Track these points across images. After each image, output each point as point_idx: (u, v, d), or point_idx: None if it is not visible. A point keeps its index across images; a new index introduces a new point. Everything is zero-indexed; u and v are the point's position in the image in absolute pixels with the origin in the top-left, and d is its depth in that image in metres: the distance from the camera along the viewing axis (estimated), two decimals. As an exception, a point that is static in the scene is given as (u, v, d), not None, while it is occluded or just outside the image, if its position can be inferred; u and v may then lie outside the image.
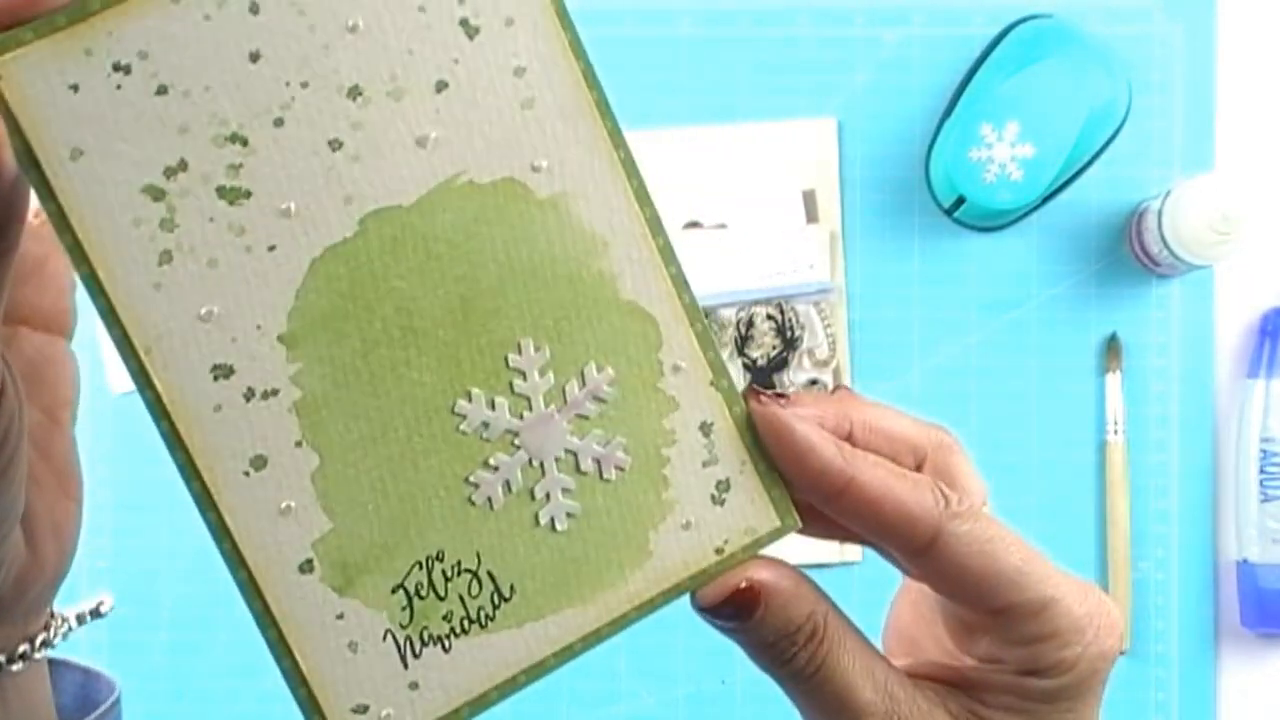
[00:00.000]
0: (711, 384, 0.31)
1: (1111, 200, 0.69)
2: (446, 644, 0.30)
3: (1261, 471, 0.67)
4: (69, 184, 0.27)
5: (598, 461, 0.30)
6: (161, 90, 0.28)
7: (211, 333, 0.28)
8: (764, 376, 0.69)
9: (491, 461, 0.30)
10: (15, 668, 0.31)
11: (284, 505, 0.29)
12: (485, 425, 0.30)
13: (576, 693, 0.68)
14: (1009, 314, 0.70)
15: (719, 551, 0.31)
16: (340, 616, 0.29)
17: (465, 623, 0.30)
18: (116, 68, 0.27)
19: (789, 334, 0.69)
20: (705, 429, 0.31)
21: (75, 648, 0.70)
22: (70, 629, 0.34)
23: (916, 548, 0.30)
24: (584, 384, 0.30)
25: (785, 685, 0.31)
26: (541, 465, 0.30)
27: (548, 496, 0.30)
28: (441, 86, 0.29)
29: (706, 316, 0.33)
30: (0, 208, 0.26)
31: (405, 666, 0.30)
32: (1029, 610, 0.31)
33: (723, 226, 0.68)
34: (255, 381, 0.29)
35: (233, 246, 0.28)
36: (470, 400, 0.30)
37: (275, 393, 0.29)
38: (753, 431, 0.31)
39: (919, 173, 0.70)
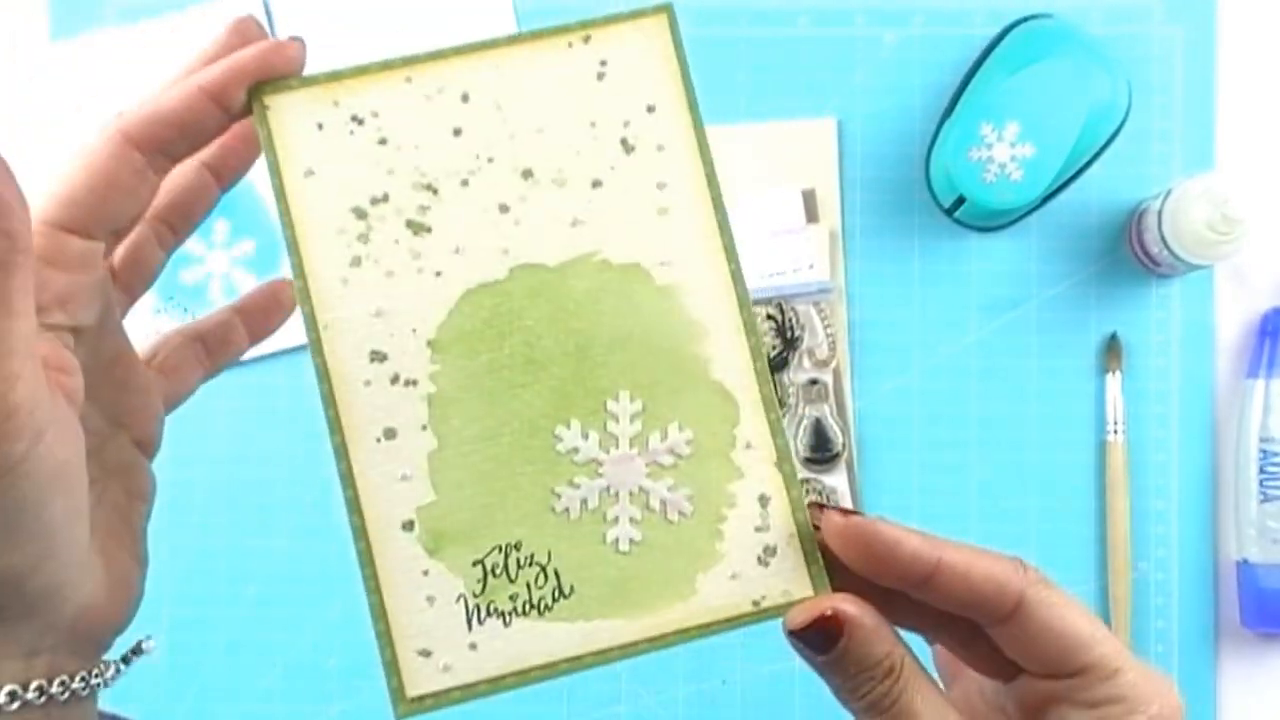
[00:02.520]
0: (775, 465, 0.36)
1: (1111, 200, 0.69)
2: (507, 620, 0.35)
3: (1261, 471, 0.67)
4: (299, 194, 0.36)
5: (664, 503, 0.36)
6: (382, 141, 0.36)
7: (377, 325, 0.36)
8: (764, 376, 0.69)
9: (575, 480, 0.36)
10: (60, 696, 0.34)
11: (402, 473, 0.35)
12: (576, 450, 0.36)
13: (577, 693, 0.68)
14: (1009, 314, 0.70)
15: (755, 604, 0.35)
16: (425, 573, 0.35)
17: (526, 606, 0.35)
18: (354, 119, 0.36)
19: (789, 334, 0.69)
20: (763, 500, 0.36)
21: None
22: (118, 672, 0.36)
23: (1005, 612, 0.33)
24: (665, 438, 0.36)
25: (865, 718, 0.34)
26: (617, 494, 0.36)
27: (616, 520, 0.36)
28: (597, 184, 0.36)
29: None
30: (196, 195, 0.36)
31: (469, 629, 0.35)
32: (1103, 673, 0.33)
33: (723, 226, 0.68)
34: (401, 370, 0.36)
35: (409, 266, 0.36)
36: (569, 428, 0.36)
37: (415, 383, 0.36)
38: (804, 512, 0.35)
39: (919, 173, 0.70)
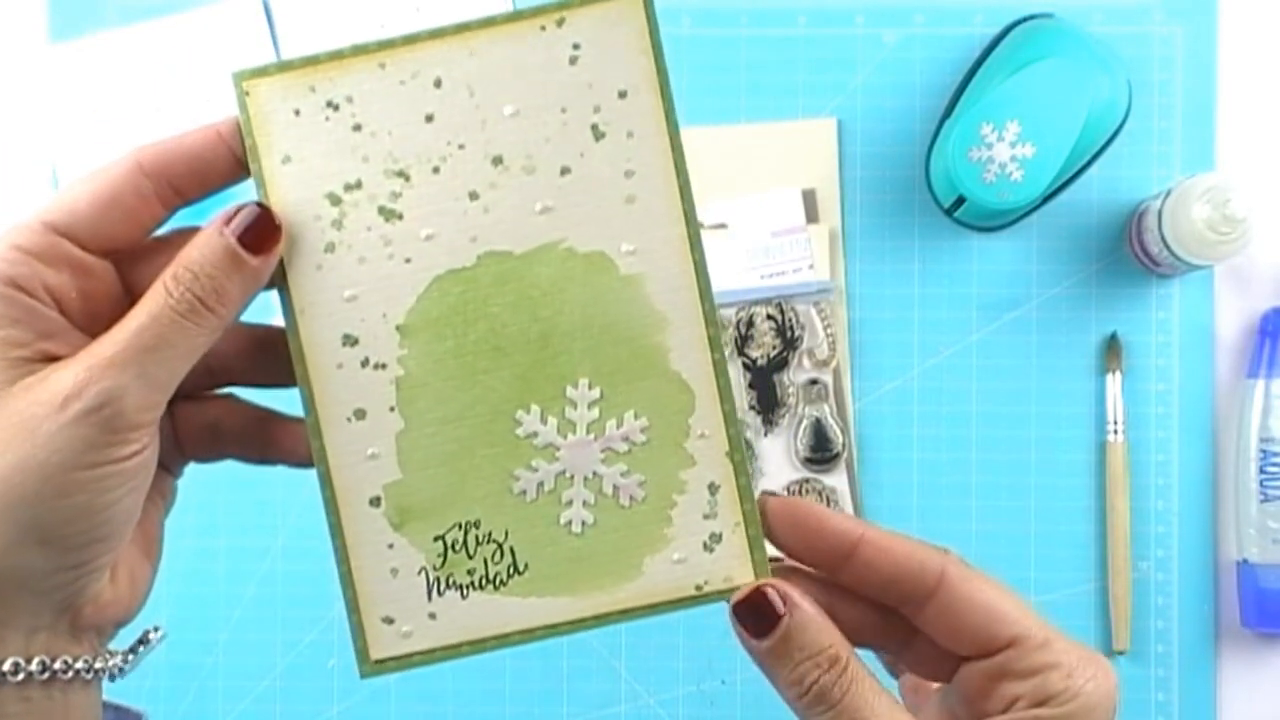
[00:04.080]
0: (727, 455, 0.37)
1: (1111, 200, 0.69)
2: (464, 593, 0.37)
3: (1261, 471, 0.67)
4: (277, 180, 0.36)
5: (616, 488, 0.37)
6: (357, 128, 0.36)
7: (349, 310, 0.37)
8: (764, 376, 0.69)
9: (533, 464, 0.37)
10: (64, 674, 0.35)
11: (370, 452, 0.37)
12: (535, 435, 0.37)
13: (577, 693, 0.68)
14: (1009, 314, 0.70)
15: (698, 589, 0.37)
16: (390, 546, 0.37)
17: (483, 581, 0.37)
18: (329, 104, 0.36)
19: (789, 334, 0.69)
20: (712, 489, 0.37)
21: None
22: (125, 662, 0.37)
23: (928, 588, 0.35)
24: (621, 425, 0.37)
25: (813, 713, 0.34)
26: (572, 478, 0.37)
27: (570, 503, 0.37)
28: (565, 171, 0.37)
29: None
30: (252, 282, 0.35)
31: (429, 599, 0.37)
32: (1035, 642, 0.34)
33: (723, 226, 0.68)
34: (371, 354, 0.37)
35: (380, 252, 0.37)
36: (529, 413, 0.37)
37: (384, 366, 0.37)
38: (751, 502, 0.37)
39: (919, 173, 0.70)
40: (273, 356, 0.38)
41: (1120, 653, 0.68)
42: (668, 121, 0.37)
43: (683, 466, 0.37)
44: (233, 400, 0.40)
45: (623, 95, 0.37)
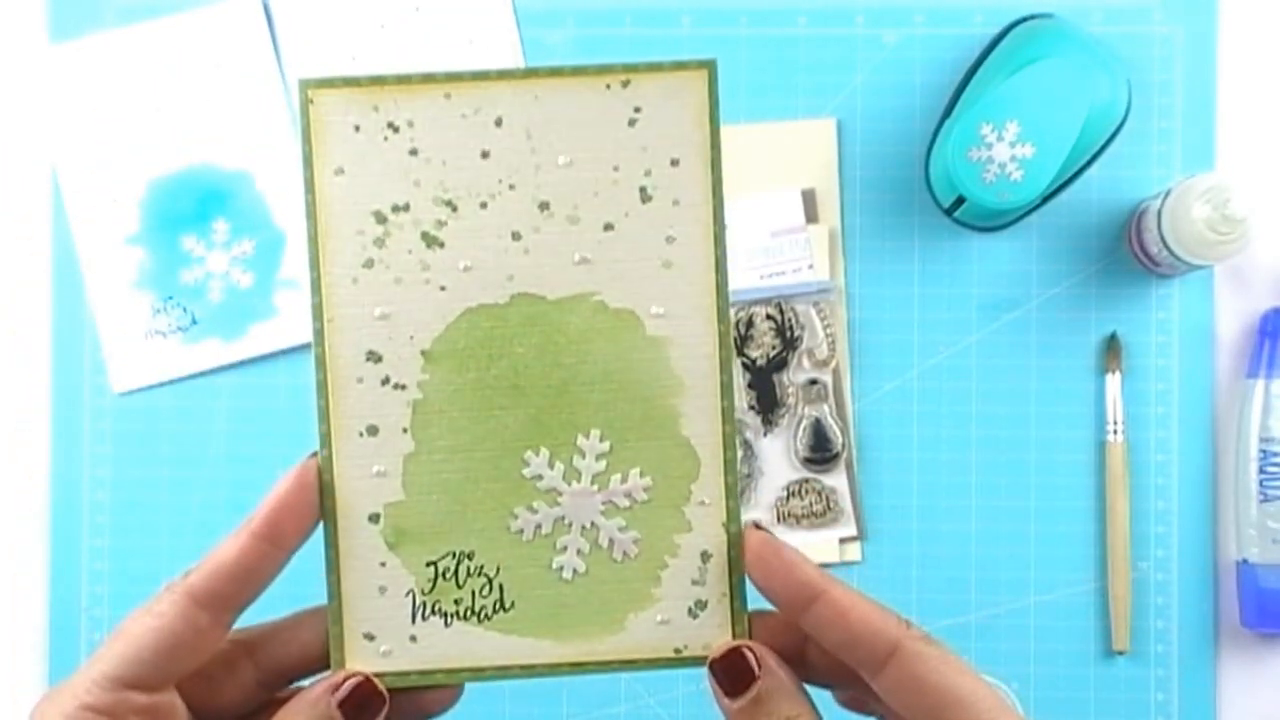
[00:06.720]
0: (723, 525, 0.38)
1: (1111, 200, 0.69)
2: (448, 621, 0.38)
3: (1261, 471, 0.67)
4: (326, 189, 0.37)
5: (612, 541, 0.38)
6: (413, 152, 0.37)
7: (378, 327, 0.37)
8: (764, 376, 0.69)
9: (534, 505, 0.38)
10: None
11: (377, 469, 0.37)
12: (540, 477, 0.38)
13: (577, 692, 0.68)
14: (1009, 314, 0.70)
15: (677, 651, 0.38)
16: (383, 564, 0.37)
17: (468, 612, 0.38)
18: (390, 125, 0.37)
19: (789, 334, 0.69)
20: (704, 556, 0.38)
21: (76, 641, 0.69)
22: None
23: (879, 658, 0.35)
24: (625, 481, 0.38)
25: None
26: (570, 525, 0.38)
27: (565, 549, 0.38)
28: (609, 227, 0.38)
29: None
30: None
31: (413, 622, 0.37)
32: None
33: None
34: (393, 373, 0.37)
35: (417, 276, 0.37)
36: (538, 454, 0.38)
37: (404, 387, 0.38)
38: (739, 573, 0.37)
39: (919, 173, 0.70)
40: None
41: (1120, 653, 0.68)
42: (714, 195, 0.38)
43: (679, 530, 0.38)
44: None
45: (675, 163, 0.38)
